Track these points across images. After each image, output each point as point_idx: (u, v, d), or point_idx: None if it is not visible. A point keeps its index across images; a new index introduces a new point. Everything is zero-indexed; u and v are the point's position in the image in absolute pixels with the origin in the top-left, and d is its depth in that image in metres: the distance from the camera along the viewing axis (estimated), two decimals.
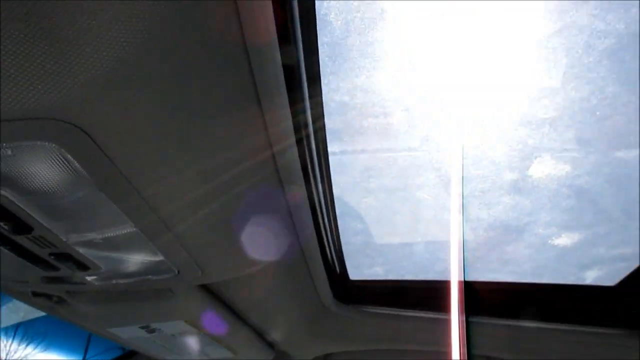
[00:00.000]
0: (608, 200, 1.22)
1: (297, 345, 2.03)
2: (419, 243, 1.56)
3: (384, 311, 1.86)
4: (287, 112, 0.96)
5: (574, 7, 0.86)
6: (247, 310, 1.76)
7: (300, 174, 1.14)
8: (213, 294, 1.64)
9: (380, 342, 2.00)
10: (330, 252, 1.54)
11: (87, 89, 0.70)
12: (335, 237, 1.50)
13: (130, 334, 1.77)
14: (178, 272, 1.31)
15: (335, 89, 1.03)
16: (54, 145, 0.80)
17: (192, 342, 1.86)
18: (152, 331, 1.75)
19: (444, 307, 1.74)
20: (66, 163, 0.87)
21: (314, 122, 1.05)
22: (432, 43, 0.98)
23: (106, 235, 1.19)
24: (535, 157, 1.15)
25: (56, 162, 0.87)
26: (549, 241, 1.39)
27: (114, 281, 1.38)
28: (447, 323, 1.77)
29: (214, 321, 1.71)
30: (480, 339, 1.80)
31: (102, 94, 0.72)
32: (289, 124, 0.98)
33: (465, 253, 1.41)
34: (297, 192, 1.20)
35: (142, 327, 1.71)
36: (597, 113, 1.03)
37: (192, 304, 1.60)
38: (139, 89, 0.75)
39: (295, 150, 1.04)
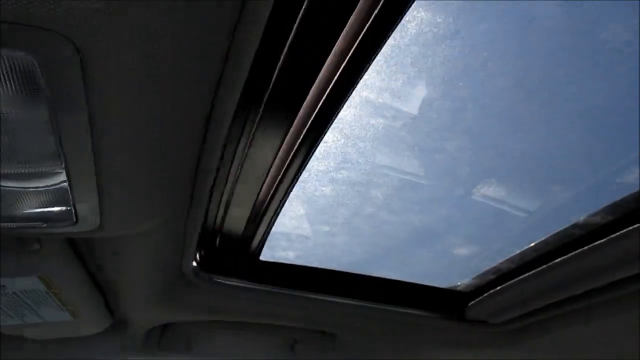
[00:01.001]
0: (517, 226, 1.44)
1: (139, 311, 1.88)
2: (340, 234, 1.61)
3: (244, 285, 1.84)
4: None
5: None
6: (102, 271, 1.58)
7: None
8: (76, 250, 1.44)
9: (231, 315, 1.97)
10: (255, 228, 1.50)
11: (95, 14, 0.68)
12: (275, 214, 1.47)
13: None
14: (76, 221, 1.15)
15: None
16: (29, 56, 0.73)
17: (32, 302, 1.59)
18: None
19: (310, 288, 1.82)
20: (28, 78, 0.78)
21: None
22: None
23: (24, 171, 0.99)
24: (487, 179, 1.29)
25: (17, 76, 0.78)
26: (451, 249, 1.57)
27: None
28: (300, 300, 1.87)
29: None
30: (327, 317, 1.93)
31: (108, 24, 0.70)
32: None
33: (376, 250, 1.53)
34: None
35: None
36: None
37: (54, 260, 1.45)
38: (138, 40, 0.75)
39: None
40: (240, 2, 0.81)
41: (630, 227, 1.24)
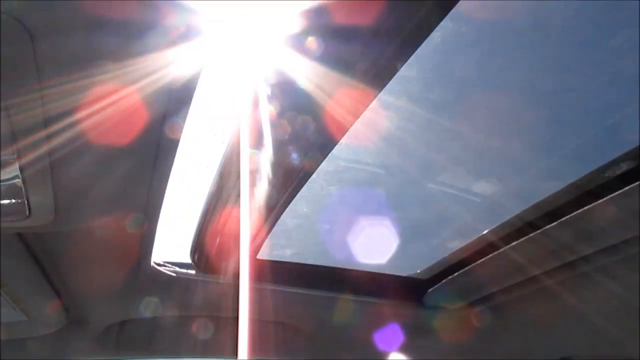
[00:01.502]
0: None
1: (96, 309, 1.85)
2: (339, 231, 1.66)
3: (205, 279, 1.84)
4: None
5: None
6: (55, 268, 1.55)
7: None
8: (28, 246, 1.41)
9: (191, 310, 1.97)
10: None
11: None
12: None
13: None
14: (29, 214, 1.13)
15: None
16: None
17: None
18: None
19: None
20: None
21: None
22: None
23: None
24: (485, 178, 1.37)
25: None
26: (445, 243, 1.66)
27: None
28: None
29: None
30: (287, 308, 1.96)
31: (59, 8, 0.71)
32: None
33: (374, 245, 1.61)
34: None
35: None
36: None
37: (7, 257, 1.42)
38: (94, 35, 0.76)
39: None
40: None
41: (573, 213, 1.33)
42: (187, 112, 1.06)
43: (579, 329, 1.74)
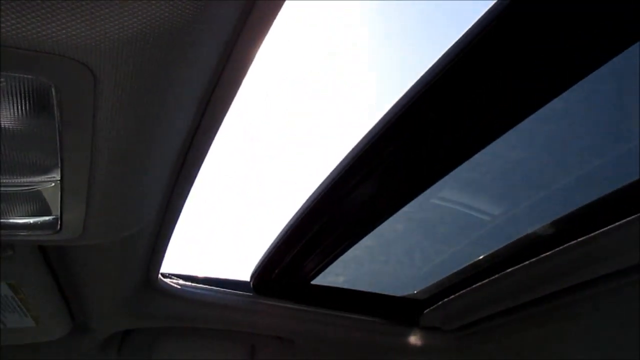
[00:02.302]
0: None
1: (102, 317, 1.91)
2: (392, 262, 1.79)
3: (208, 292, 1.91)
4: None
5: None
6: (69, 277, 1.62)
7: None
8: (46, 256, 1.48)
9: (193, 322, 2.03)
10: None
11: (113, 42, 0.73)
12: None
13: None
14: (60, 229, 1.20)
15: None
16: (49, 82, 0.80)
17: None
18: None
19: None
20: (42, 102, 0.85)
21: None
22: None
23: (18, 181, 1.04)
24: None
25: (34, 99, 0.85)
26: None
27: None
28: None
29: None
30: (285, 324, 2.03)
31: (123, 53, 0.76)
32: None
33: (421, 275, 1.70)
34: None
35: None
36: None
37: (26, 266, 1.46)
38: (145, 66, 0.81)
39: None
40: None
41: (578, 239, 1.42)
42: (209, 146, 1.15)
43: (577, 353, 1.81)
